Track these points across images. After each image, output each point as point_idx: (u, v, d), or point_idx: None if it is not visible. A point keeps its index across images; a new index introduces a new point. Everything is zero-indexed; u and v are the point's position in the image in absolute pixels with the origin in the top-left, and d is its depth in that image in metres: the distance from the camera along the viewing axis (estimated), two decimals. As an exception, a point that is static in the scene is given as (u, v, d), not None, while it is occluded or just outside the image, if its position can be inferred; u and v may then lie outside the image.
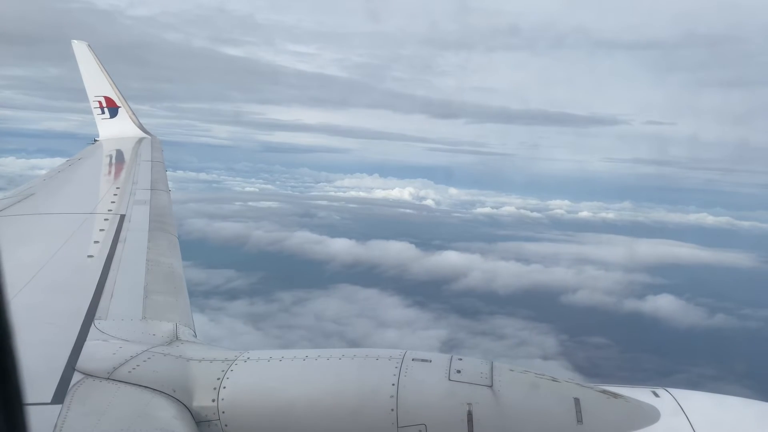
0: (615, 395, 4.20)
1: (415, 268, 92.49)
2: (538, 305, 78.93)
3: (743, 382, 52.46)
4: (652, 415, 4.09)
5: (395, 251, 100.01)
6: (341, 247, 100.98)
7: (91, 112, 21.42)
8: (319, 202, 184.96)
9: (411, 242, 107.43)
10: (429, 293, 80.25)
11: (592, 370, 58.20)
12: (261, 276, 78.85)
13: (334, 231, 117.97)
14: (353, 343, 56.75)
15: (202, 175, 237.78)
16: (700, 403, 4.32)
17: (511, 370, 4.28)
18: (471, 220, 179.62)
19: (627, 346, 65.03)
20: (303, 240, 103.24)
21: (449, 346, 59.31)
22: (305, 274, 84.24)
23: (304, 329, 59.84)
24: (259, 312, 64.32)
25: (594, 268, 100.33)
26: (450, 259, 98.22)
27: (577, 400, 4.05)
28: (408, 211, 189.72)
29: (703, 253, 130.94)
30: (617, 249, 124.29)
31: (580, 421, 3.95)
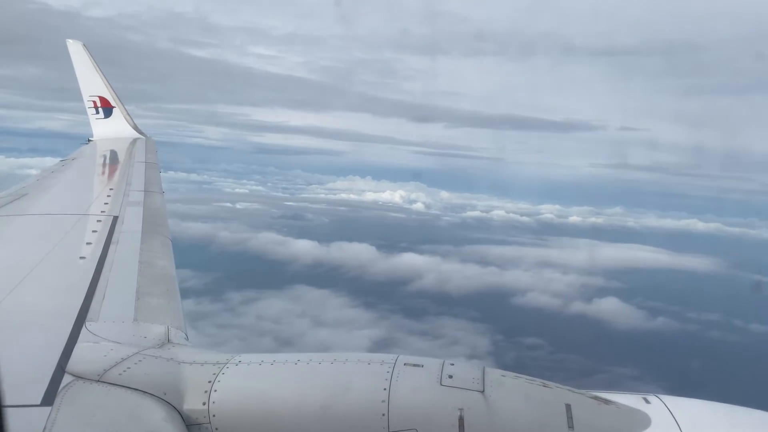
0: (606, 401, 4.21)
1: (376, 270, 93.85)
2: (487, 307, 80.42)
3: (660, 383, 54.57)
4: (643, 422, 4.10)
5: (360, 253, 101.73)
6: (304, 248, 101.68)
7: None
8: (304, 204, 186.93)
9: (379, 244, 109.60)
10: (382, 294, 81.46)
11: (516, 370, 60.09)
12: (217, 276, 79.09)
13: (308, 233, 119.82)
14: (284, 342, 58.82)
15: (193, 176, 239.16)
16: (691, 409, 4.32)
17: (503, 376, 4.30)
18: (459, 223, 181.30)
19: (559, 346, 66.45)
20: (267, 241, 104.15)
21: (380, 345, 60.57)
22: (262, 275, 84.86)
23: (240, 329, 60.75)
24: (202, 311, 64.15)
25: (554, 271, 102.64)
26: (411, 261, 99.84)
27: (568, 406, 4.05)
28: (396, 214, 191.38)
29: (669, 259, 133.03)
30: (585, 253, 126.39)
31: (571, 426, 3.95)
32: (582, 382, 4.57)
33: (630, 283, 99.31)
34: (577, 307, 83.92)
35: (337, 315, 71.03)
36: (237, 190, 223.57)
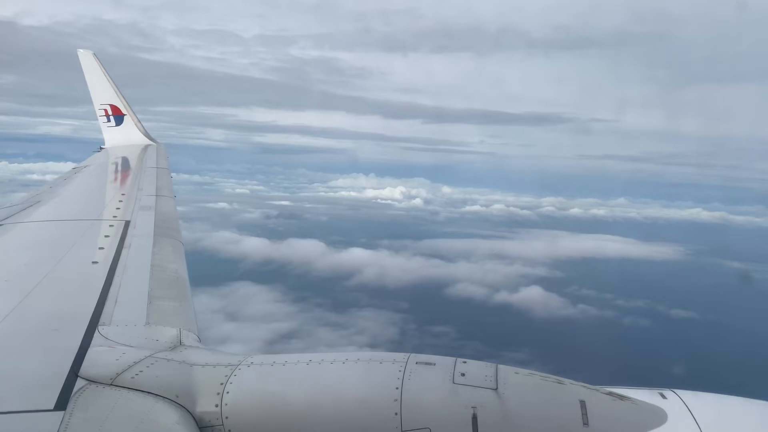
0: (621, 397, 4.15)
1: (323, 266, 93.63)
2: (418, 298, 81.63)
3: (547, 367, 56.91)
4: (659, 417, 4.03)
5: (312, 250, 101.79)
6: (256, 246, 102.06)
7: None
8: (299, 203, 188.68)
9: (341, 241, 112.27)
10: (319, 289, 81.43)
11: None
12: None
13: (291, 232, 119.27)
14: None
15: (196, 177, 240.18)
16: (708, 404, 4.26)
17: (516, 373, 4.22)
18: (454, 218, 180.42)
19: (465, 334, 67.13)
20: (221, 240, 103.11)
21: (284, 337, 61.62)
22: (205, 273, 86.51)
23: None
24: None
25: (501, 263, 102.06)
26: (362, 257, 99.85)
27: (582, 403, 3.99)
28: (392, 211, 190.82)
29: (630, 248, 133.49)
30: (547, 245, 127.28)
31: (586, 423, 3.88)
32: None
33: (572, 273, 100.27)
34: (502, 296, 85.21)
35: (257, 309, 71.22)
36: (237, 190, 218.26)
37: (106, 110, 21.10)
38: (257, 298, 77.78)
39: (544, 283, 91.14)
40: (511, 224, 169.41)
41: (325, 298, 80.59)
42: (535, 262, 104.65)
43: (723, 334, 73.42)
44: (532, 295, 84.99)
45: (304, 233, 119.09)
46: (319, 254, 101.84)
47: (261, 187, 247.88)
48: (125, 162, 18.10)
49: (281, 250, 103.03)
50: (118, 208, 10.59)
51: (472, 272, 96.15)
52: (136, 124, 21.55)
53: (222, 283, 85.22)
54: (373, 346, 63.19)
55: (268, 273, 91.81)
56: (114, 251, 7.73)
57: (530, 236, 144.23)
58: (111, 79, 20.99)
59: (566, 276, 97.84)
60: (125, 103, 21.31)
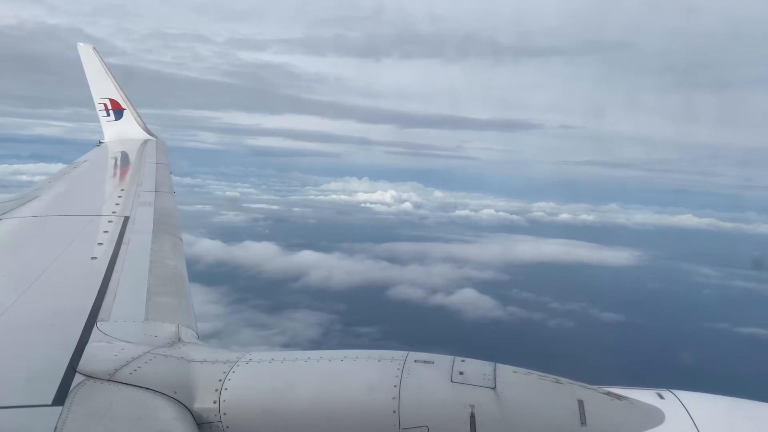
0: (619, 397, 4.17)
1: (275, 269, 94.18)
2: (359, 300, 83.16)
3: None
4: (656, 417, 4.05)
5: (267, 252, 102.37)
6: (210, 248, 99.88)
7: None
8: (285, 207, 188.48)
9: (295, 243, 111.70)
10: (262, 291, 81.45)
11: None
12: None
13: (268, 235, 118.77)
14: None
15: (187, 180, 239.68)
16: (705, 405, 4.29)
17: (515, 372, 4.22)
18: (441, 223, 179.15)
19: (386, 334, 67.88)
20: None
21: (202, 338, 64.76)
22: None
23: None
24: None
25: (452, 266, 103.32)
26: (315, 259, 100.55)
27: (580, 402, 4.02)
28: (380, 215, 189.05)
29: (593, 253, 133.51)
30: (508, 249, 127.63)
31: (583, 422, 3.92)
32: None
33: (519, 277, 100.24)
34: (437, 299, 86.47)
35: (188, 310, 74.10)
36: (227, 193, 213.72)
37: (105, 104, 20.73)
38: (194, 299, 78.93)
39: (483, 286, 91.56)
40: (495, 229, 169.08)
41: (265, 299, 79.85)
42: (486, 266, 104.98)
43: (646, 338, 74.57)
44: (465, 298, 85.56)
45: (274, 237, 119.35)
46: (271, 257, 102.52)
47: (252, 190, 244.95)
48: (124, 157, 17.81)
49: (234, 252, 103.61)
50: (117, 204, 10.50)
51: (419, 275, 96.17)
52: (135, 119, 21.12)
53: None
54: (288, 346, 64.44)
55: (216, 275, 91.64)
56: (113, 247, 7.66)
57: (498, 241, 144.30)
58: (111, 73, 20.65)
59: (511, 279, 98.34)
60: (125, 98, 20.90)
